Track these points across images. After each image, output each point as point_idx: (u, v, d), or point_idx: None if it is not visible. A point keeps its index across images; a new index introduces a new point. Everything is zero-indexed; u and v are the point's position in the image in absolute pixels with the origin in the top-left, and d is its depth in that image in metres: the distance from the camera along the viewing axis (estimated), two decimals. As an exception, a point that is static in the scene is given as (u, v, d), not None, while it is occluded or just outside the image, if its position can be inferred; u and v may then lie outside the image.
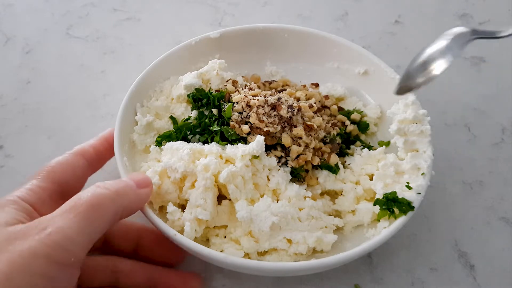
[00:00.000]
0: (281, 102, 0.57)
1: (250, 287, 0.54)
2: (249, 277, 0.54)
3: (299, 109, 0.57)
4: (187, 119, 0.60)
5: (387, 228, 0.49)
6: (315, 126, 0.57)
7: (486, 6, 0.87)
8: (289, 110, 0.56)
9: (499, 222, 0.60)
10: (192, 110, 0.60)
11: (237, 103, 0.57)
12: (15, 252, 0.37)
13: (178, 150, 0.54)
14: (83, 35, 0.83)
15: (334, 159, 0.57)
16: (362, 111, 0.64)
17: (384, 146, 0.58)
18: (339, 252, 0.48)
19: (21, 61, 0.79)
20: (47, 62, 0.79)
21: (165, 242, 0.51)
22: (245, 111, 0.56)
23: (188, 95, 0.61)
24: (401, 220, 0.49)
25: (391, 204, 0.50)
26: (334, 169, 0.57)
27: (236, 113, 0.56)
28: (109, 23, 0.85)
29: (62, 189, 0.48)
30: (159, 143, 0.58)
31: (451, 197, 0.62)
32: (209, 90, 0.61)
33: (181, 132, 0.58)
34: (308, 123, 0.57)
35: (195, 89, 0.61)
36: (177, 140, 0.57)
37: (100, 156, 0.55)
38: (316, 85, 0.67)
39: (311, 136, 0.57)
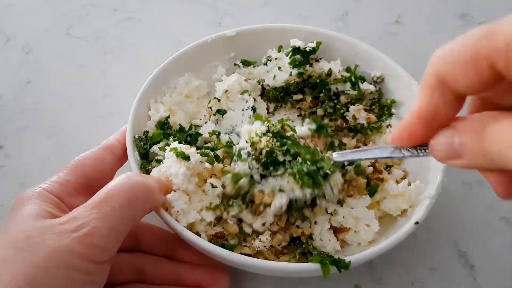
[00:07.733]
0: None
1: (251, 286, 0.54)
2: (250, 275, 0.54)
3: None
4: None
5: (389, 238, 0.49)
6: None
7: (486, 6, 0.87)
8: None
9: (499, 222, 0.60)
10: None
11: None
12: (52, 247, 0.37)
13: (178, 162, 0.50)
14: (83, 35, 0.83)
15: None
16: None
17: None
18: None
19: (21, 61, 0.78)
20: (47, 62, 0.79)
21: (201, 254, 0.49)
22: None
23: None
24: (407, 228, 0.49)
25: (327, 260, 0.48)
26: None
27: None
28: (109, 23, 0.85)
29: (89, 182, 0.48)
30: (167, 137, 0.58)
31: (451, 197, 0.62)
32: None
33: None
34: None
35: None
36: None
37: (126, 150, 0.55)
38: None
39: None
